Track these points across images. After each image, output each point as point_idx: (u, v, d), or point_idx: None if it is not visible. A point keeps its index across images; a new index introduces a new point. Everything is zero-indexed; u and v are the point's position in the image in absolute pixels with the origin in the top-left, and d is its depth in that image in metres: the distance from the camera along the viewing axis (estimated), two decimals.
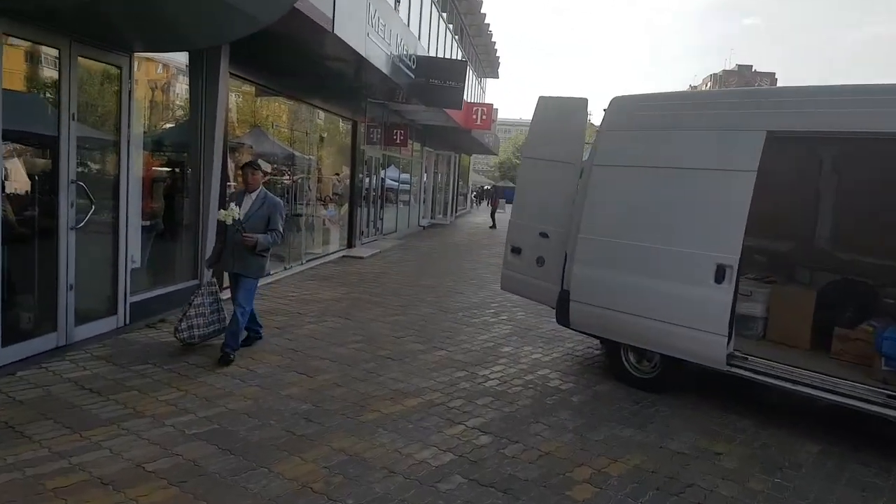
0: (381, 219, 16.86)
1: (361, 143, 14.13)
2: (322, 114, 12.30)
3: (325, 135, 12.67)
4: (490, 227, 24.20)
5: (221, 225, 5.47)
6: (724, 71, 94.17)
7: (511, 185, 60.20)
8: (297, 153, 10.96)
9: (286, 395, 4.66)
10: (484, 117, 20.29)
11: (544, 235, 6.06)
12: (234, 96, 8.67)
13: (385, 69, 10.40)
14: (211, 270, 5.96)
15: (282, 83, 9.78)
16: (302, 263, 10.93)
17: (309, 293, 8.56)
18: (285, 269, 10.22)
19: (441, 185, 26.35)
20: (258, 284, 5.75)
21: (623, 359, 5.40)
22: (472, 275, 11.52)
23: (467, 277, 11.11)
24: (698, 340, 4.66)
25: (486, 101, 33.06)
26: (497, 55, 31.29)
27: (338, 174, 13.43)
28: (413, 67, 12.37)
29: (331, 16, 7.58)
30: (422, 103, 13.81)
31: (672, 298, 4.81)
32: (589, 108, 6.02)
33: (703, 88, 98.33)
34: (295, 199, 10.90)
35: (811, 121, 4.27)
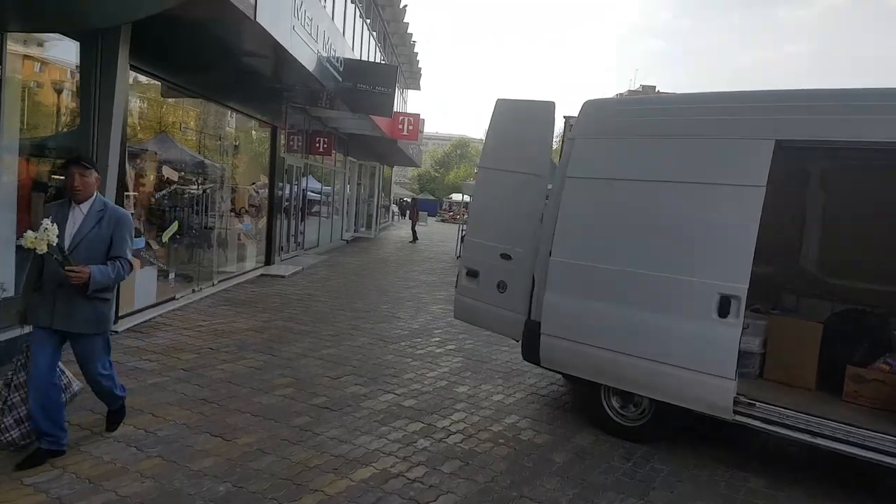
0: (303, 233, 15.59)
1: (281, 150, 12.90)
2: (238, 117, 11.00)
3: (238, 141, 11.36)
4: (411, 242, 23.33)
5: (35, 256, 3.43)
6: (629, 91, 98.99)
7: (431, 197, 59.97)
8: (207, 161, 9.64)
9: (198, 471, 3.55)
10: (411, 127, 19.51)
11: (506, 257, 5.28)
12: (136, 94, 7.34)
13: (311, 68, 9.33)
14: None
15: (192, 80, 8.49)
16: (213, 285, 9.57)
17: (223, 322, 7.31)
18: (193, 291, 8.85)
19: (364, 197, 25.25)
20: (108, 339, 3.84)
21: (604, 403, 4.69)
22: (408, 295, 10.60)
23: (402, 298, 10.18)
24: (698, 384, 4.02)
25: (408, 112, 32.36)
26: (419, 66, 30.71)
27: (255, 183, 12.12)
28: (340, 70, 11.35)
29: (253, 1, 6.50)
30: (348, 109, 12.79)
31: (666, 334, 4.15)
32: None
33: None
34: (205, 212, 9.56)
35: (831, 129, 3.76)
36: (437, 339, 7.37)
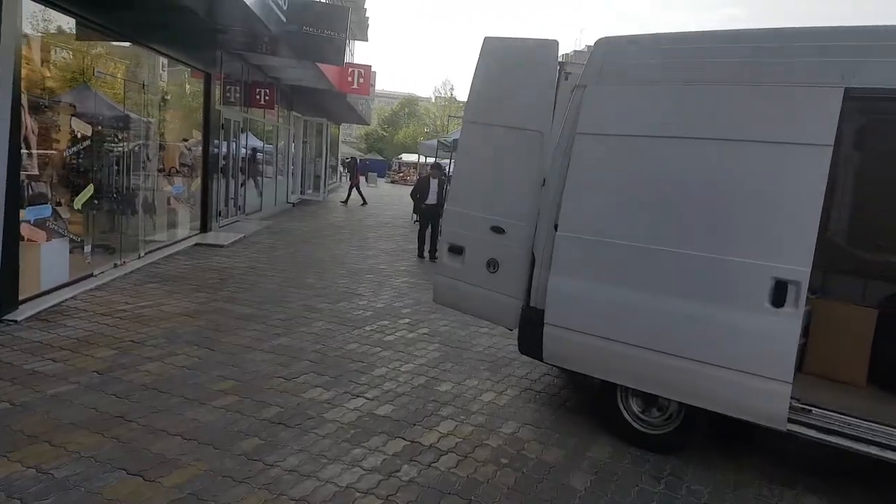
0: (243, 196, 14.20)
1: (217, 102, 11.44)
2: (166, 64, 9.50)
3: (167, 92, 9.87)
4: (362, 205, 22.07)
5: None
6: (574, 51, 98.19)
7: (379, 157, 57.88)
8: (131, 113, 8.21)
9: None
10: (361, 80, 18.06)
11: (498, 230, 4.40)
12: (42, 33, 5.89)
13: (252, 4, 7.99)
14: None
15: (112, 18, 7.05)
16: (140, 257, 8.30)
17: (150, 305, 6.16)
18: (115, 265, 7.59)
19: (311, 157, 23.68)
20: None
21: (620, 405, 3.93)
22: (366, 266, 9.60)
23: (361, 271, 9.18)
24: (746, 389, 3.30)
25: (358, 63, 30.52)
26: (367, 15, 28.80)
27: (186, 140, 10.68)
28: (284, 9, 9.95)
29: None
30: (293, 56, 11.40)
31: (704, 327, 3.40)
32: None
33: None
34: (128, 172, 8.20)
35: None
36: (407, 320, 6.47)
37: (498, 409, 4.30)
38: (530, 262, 4.22)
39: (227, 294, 6.95)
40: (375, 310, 6.81)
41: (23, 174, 5.63)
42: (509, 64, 4.50)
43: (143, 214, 8.73)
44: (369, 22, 30.66)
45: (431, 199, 10.99)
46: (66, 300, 6.00)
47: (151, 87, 8.90)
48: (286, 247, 10.93)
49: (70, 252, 6.57)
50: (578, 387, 4.81)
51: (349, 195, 22.44)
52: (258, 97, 13.79)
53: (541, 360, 4.09)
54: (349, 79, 17.93)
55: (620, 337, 3.68)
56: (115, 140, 7.88)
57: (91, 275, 6.94)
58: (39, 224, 5.93)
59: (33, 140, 5.88)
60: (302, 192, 21.92)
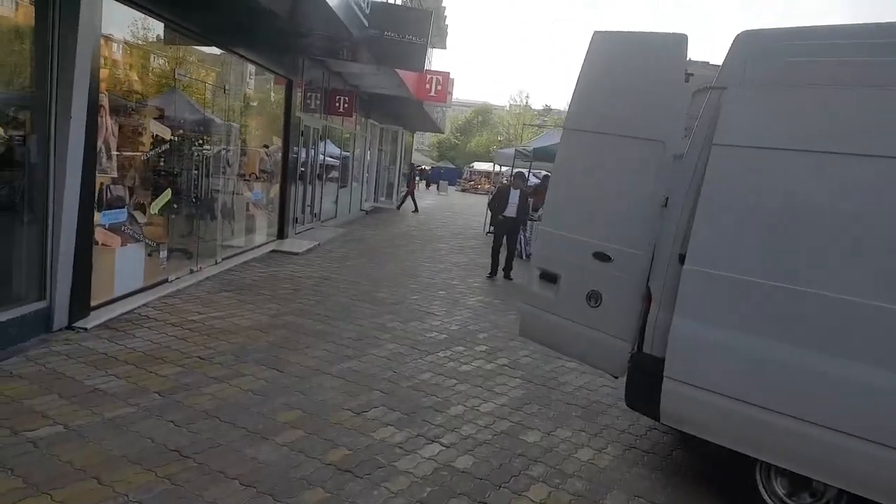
0: (320, 203, 14.14)
1: (297, 108, 11.37)
2: (249, 69, 9.46)
3: (250, 97, 9.85)
4: (413, 212, 21.68)
5: None
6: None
7: (451, 165, 57.72)
8: (214, 118, 8.16)
9: None
10: (439, 87, 17.73)
11: (603, 257, 3.79)
12: (125, 35, 5.84)
13: (336, 7, 7.75)
14: None
15: (196, 21, 6.97)
16: (216, 263, 8.20)
17: (221, 316, 5.93)
18: (191, 271, 7.49)
19: (385, 165, 23.67)
20: None
21: (760, 484, 3.23)
22: (439, 281, 9.15)
23: (433, 286, 8.73)
24: None
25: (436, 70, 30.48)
26: (446, 23, 28.68)
27: (267, 146, 10.64)
28: (366, 13, 9.72)
29: None
30: (374, 62, 11.17)
31: (884, 398, 2.66)
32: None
33: None
34: (208, 176, 8.14)
35: None
36: (484, 347, 5.93)
37: (599, 472, 3.66)
38: (644, 298, 3.60)
39: (298, 306, 6.65)
40: (449, 333, 6.31)
41: (101, 177, 5.54)
42: (625, 62, 3.90)
43: (222, 220, 8.66)
44: (448, 30, 30.60)
45: (510, 211, 10.02)
46: (139, 307, 5.86)
47: (234, 92, 8.85)
48: (359, 256, 10.66)
49: (145, 257, 6.47)
50: (695, 449, 4.10)
51: (402, 202, 22.22)
52: (337, 104, 13.73)
53: (655, 418, 3.44)
54: (427, 86, 17.67)
55: (769, 403, 2.97)
56: (197, 144, 7.82)
57: (166, 280, 6.83)
58: (115, 228, 5.83)
59: (113, 143, 5.79)
60: (375, 200, 21.89)
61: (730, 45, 3.38)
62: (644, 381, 3.46)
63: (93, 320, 5.25)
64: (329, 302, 7.03)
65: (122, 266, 6.02)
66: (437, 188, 39.97)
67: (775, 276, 3.01)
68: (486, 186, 47.58)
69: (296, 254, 10.06)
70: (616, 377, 3.90)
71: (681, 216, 3.45)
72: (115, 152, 5.83)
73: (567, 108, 4.27)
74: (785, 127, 3.08)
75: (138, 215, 6.28)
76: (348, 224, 15.42)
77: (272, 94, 10.98)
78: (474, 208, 27.19)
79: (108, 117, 5.65)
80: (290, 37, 9.98)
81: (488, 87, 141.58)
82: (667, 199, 3.60)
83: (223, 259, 8.46)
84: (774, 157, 3.08)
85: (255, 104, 10.21)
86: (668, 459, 3.97)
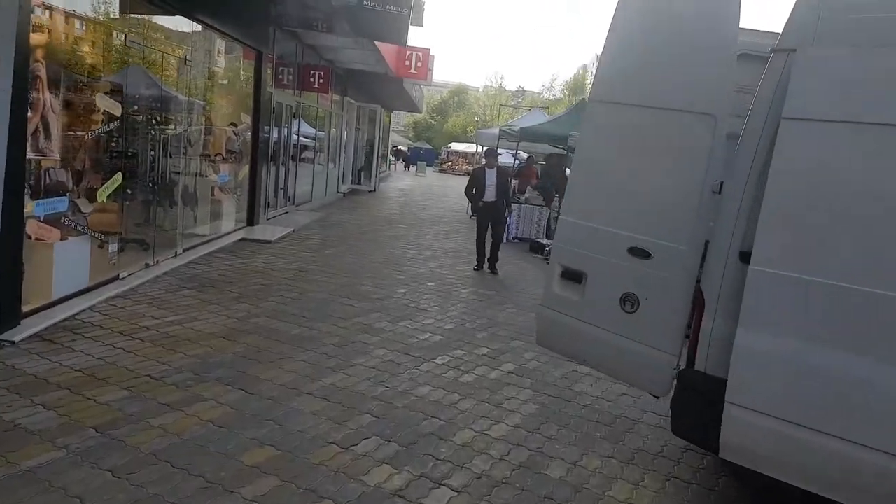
0: (294, 185, 13.23)
1: (268, 84, 10.42)
2: (214, 39, 8.50)
3: (215, 71, 8.89)
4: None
5: None
6: None
7: (428, 146, 56.57)
8: (173, 92, 7.24)
9: None
10: (419, 64, 16.80)
11: (640, 253, 3.11)
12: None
13: None
14: None
15: None
16: (176, 255, 7.34)
17: (179, 320, 5.12)
18: (147, 266, 6.62)
19: (362, 145, 22.68)
20: None
21: None
22: (427, 270, 8.42)
23: (421, 276, 8.00)
24: None
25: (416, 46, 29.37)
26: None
27: (235, 125, 9.70)
28: None
29: None
30: (352, 34, 10.27)
31: None
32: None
33: None
34: (167, 157, 7.25)
35: None
36: (484, 349, 5.24)
37: None
38: (694, 302, 2.94)
39: (271, 305, 5.87)
40: (444, 333, 5.60)
41: (37, 158, 4.67)
42: (665, 21, 3.19)
43: (183, 206, 7.77)
44: (425, 6, 29.47)
45: (489, 194, 8.71)
46: (81, 312, 5.02)
47: (198, 65, 7.91)
48: (338, 244, 9.86)
49: (92, 252, 5.60)
50: (744, 479, 3.46)
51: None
52: (312, 80, 12.77)
53: (714, 452, 2.79)
54: (406, 63, 16.72)
55: (866, 439, 2.34)
56: (154, 122, 6.91)
57: (117, 278, 5.98)
58: (53, 219, 4.95)
59: (54, 120, 4.90)
60: (353, 182, 20.97)
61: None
62: (697, 405, 2.81)
63: (23, 331, 4.41)
64: (306, 299, 6.26)
65: (62, 264, 5.14)
66: (416, 169, 39.01)
67: (866, 279, 2.36)
68: (465, 167, 46.96)
69: (268, 242, 9.22)
70: (657, 397, 3.25)
71: (741, 206, 2.78)
72: (56, 131, 4.95)
73: (591, 77, 3.54)
74: (871, 95, 2.41)
75: (83, 203, 5.40)
76: (325, 208, 14.54)
77: (241, 68, 10.02)
78: (455, 189, 26.38)
79: (46, 91, 4.76)
80: (261, 4, 9.04)
81: (463, 68, 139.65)
82: (721, 184, 2.92)
83: (184, 250, 7.60)
84: (857, 134, 2.41)
85: (220, 78, 9.26)
86: (718, 493, 3.33)
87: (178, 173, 7.61)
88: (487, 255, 8.90)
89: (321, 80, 12.86)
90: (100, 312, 5.12)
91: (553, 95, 65.61)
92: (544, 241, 11.02)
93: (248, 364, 4.33)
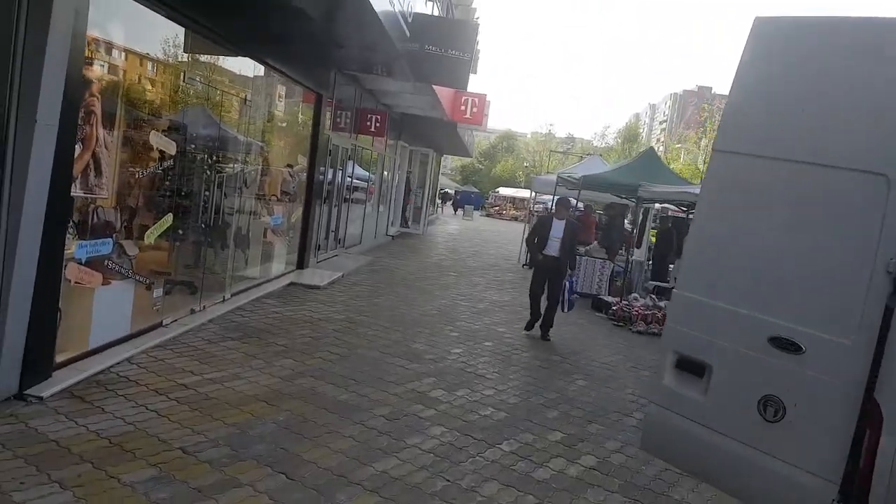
0: (345, 228, 12.96)
1: (326, 126, 10.25)
2: (276, 81, 8.37)
3: (275, 112, 8.75)
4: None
5: None
6: (684, 90, 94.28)
7: (475, 190, 56.48)
8: (231, 132, 7.05)
9: None
10: (475, 110, 16.63)
11: (787, 346, 2.48)
12: (131, 32, 4.74)
13: (381, 13, 6.64)
14: None
15: (220, 22, 5.92)
16: (224, 300, 6.99)
17: (220, 377, 4.67)
18: (193, 311, 6.28)
19: (413, 188, 22.53)
20: None
21: None
22: (482, 328, 7.82)
23: (477, 334, 7.41)
24: None
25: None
26: (478, 47, 27.78)
27: (291, 166, 9.50)
28: (409, 22, 8.62)
29: None
30: (412, 78, 10.04)
31: None
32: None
33: (664, 107, 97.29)
34: (222, 198, 7.01)
35: None
36: (558, 434, 4.56)
37: None
38: (862, 415, 2.27)
39: (318, 363, 5.38)
40: (509, 409, 4.96)
41: (84, 197, 4.40)
42: (814, 58, 2.63)
43: (235, 248, 7.48)
44: (479, 54, 29.72)
45: (552, 248, 7.75)
46: (119, 363, 4.64)
47: (258, 105, 7.74)
48: (388, 292, 9.40)
49: (135, 297, 5.27)
50: None
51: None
52: (368, 123, 12.62)
53: None
54: (462, 107, 16.59)
55: None
56: (210, 162, 6.69)
57: (160, 324, 5.62)
58: (96, 262, 4.63)
59: (105, 158, 4.65)
60: (402, 224, 20.73)
61: None
62: None
63: (54, 385, 4.02)
64: (355, 357, 5.75)
65: (103, 309, 4.81)
66: (463, 213, 38.85)
67: None
68: (512, 212, 46.53)
69: (317, 287, 8.83)
70: None
71: None
72: (107, 169, 4.69)
73: (719, 122, 2.99)
74: None
75: (129, 246, 5.09)
76: (374, 251, 14.21)
77: (300, 109, 9.89)
78: (503, 235, 26.01)
79: (99, 127, 4.52)
80: (323, 47, 8.92)
81: (512, 115, 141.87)
82: None
83: (233, 294, 7.25)
84: None
85: (280, 119, 9.12)
86: None
87: (232, 214, 7.34)
88: (543, 316, 7.86)
89: (378, 124, 12.70)
90: (137, 365, 4.72)
91: (605, 143, 65.20)
92: (609, 299, 10.30)
93: (290, 439, 3.81)
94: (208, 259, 6.82)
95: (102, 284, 4.76)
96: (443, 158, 45.74)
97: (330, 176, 11.14)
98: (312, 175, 9.84)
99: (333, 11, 7.16)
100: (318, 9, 6.93)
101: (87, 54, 4.23)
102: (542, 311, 7.88)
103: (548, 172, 51.09)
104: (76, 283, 4.46)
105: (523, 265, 15.36)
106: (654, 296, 10.78)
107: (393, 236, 18.15)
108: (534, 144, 71.88)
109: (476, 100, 16.75)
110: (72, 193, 4.32)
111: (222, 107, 6.82)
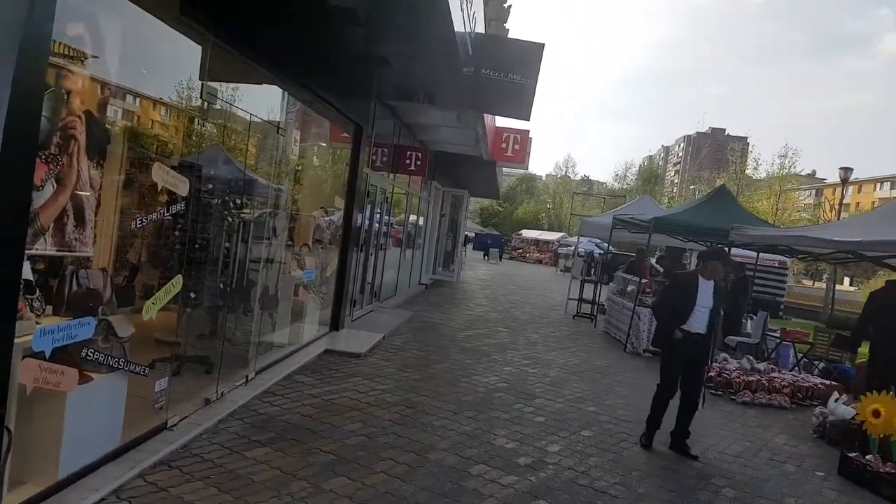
0: (381, 279, 11.49)
1: (366, 164, 8.88)
2: (311, 109, 7.08)
3: (306, 148, 7.43)
4: None
5: None
6: (697, 133, 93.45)
7: (495, 233, 55.10)
8: (253, 175, 5.70)
9: None
10: (517, 147, 15.44)
11: None
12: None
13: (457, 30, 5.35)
14: None
15: (255, 41, 4.63)
16: (247, 381, 5.47)
17: None
18: (207, 402, 4.76)
19: (445, 231, 21.15)
20: None
21: None
22: (569, 407, 6.17)
23: (568, 419, 5.77)
24: None
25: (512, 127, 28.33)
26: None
27: (326, 210, 8.11)
28: (473, 40, 7.34)
29: None
30: (469, 105, 8.73)
31: None
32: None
33: (677, 149, 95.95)
34: (247, 250, 5.60)
35: None
36: None
37: None
38: None
39: (381, 480, 3.81)
40: None
41: (58, 255, 2.98)
42: None
43: (260, 312, 6.02)
44: None
45: (699, 323, 5.31)
46: (105, 498, 3.11)
47: (289, 138, 6.40)
48: (440, 357, 7.82)
49: (129, 394, 3.75)
50: None
51: None
52: (408, 161, 11.34)
53: None
54: (503, 145, 15.37)
55: None
56: (231, 207, 5.31)
57: (164, 426, 4.11)
58: (68, 353, 3.16)
59: (90, 202, 3.26)
60: (433, 272, 19.25)
61: None
62: None
63: None
64: (429, 467, 4.16)
65: (79, 421, 3.28)
66: (487, 256, 37.36)
67: None
68: (536, 255, 44.91)
69: (357, 356, 7.29)
70: None
71: None
72: (90, 217, 3.29)
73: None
74: None
75: (120, 324, 3.60)
76: (410, 303, 12.68)
77: (333, 145, 8.57)
78: (532, 279, 24.50)
79: (82, 160, 3.14)
80: (367, 68, 7.67)
81: (530, 156, 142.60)
82: None
83: (258, 372, 5.74)
84: None
85: (315, 156, 7.79)
86: None
87: (258, 270, 5.92)
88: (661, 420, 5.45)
89: (418, 163, 11.41)
90: (128, 501, 3.19)
91: (626, 184, 63.94)
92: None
93: None
94: (228, 328, 5.35)
95: (80, 383, 3.26)
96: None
97: (367, 220, 9.75)
98: (350, 219, 8.42)
99: (400, 24, 5.91)
100: (375, 19, 5.68)
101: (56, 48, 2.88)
102: (678, 416, 5.41)
103: (572, 215, 50.06)
104: (40, 385, 2.98)
105: (573, 316, 13.72)
106: (750, 357, 9.10)
107: (426, 285, 16.65)
108: (553, 186, 70.96)
109: (518, 136, 15.50)
110: (38, 251, 2.93)
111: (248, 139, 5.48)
